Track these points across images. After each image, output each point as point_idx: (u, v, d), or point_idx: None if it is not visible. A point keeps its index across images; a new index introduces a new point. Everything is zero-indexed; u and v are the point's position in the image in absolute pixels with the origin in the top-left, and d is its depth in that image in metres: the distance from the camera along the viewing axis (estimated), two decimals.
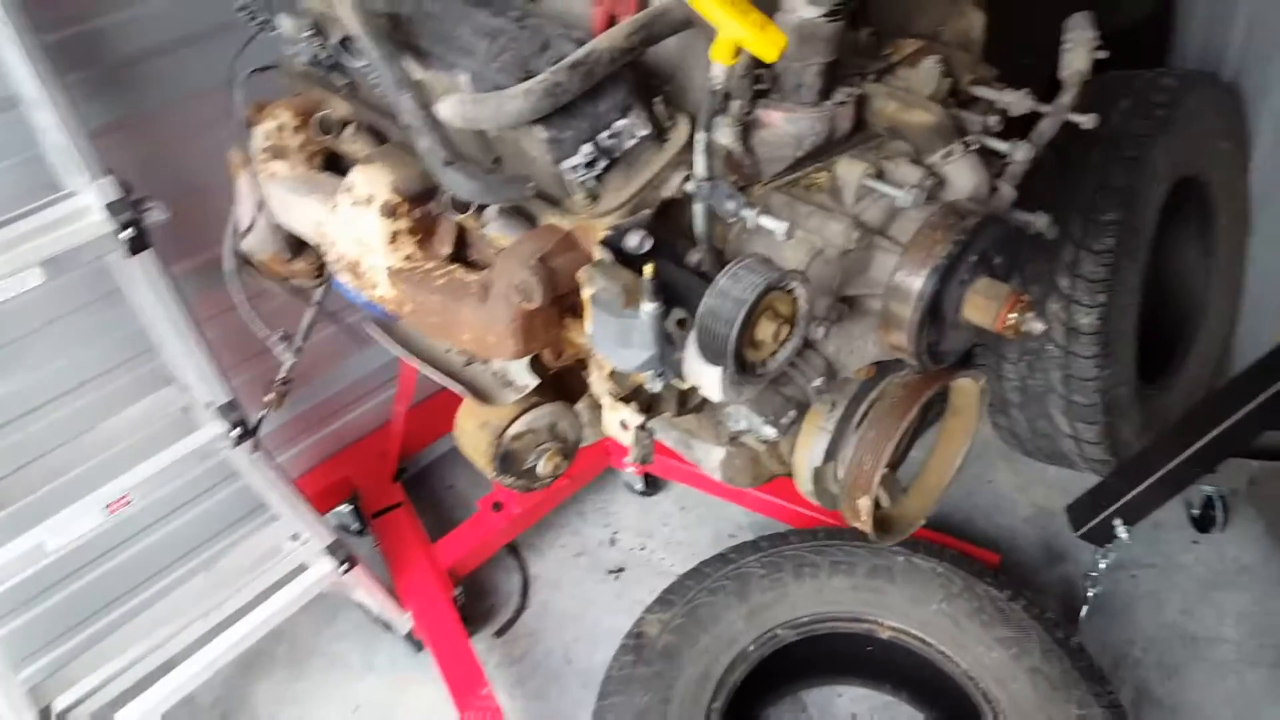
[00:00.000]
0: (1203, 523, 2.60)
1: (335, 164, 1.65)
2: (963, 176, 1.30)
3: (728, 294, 1.00)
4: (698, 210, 1.14)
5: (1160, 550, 2.59)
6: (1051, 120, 1.38)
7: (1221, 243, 2.62)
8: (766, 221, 1.10)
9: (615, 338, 1.10)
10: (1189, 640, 2.39)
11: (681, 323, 1.13)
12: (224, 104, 1.57)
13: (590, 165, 1.16)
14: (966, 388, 1.47)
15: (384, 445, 2.76)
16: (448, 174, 1.11)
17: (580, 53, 1.12)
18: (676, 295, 1.13)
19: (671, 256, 1.22)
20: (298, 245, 1.78)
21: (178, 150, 2.11)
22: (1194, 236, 2.64)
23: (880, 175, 1.26)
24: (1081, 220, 2.15)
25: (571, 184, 1.18)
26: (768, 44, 0.96)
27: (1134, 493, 2.28)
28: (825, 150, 1.30)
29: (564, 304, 1.26)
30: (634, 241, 1.16)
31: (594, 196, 1.20)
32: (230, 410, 2.02)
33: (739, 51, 1.00)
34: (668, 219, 1.25)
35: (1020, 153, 1.34)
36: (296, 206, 1.58)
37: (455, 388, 1.44)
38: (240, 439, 2.02)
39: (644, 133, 1.19)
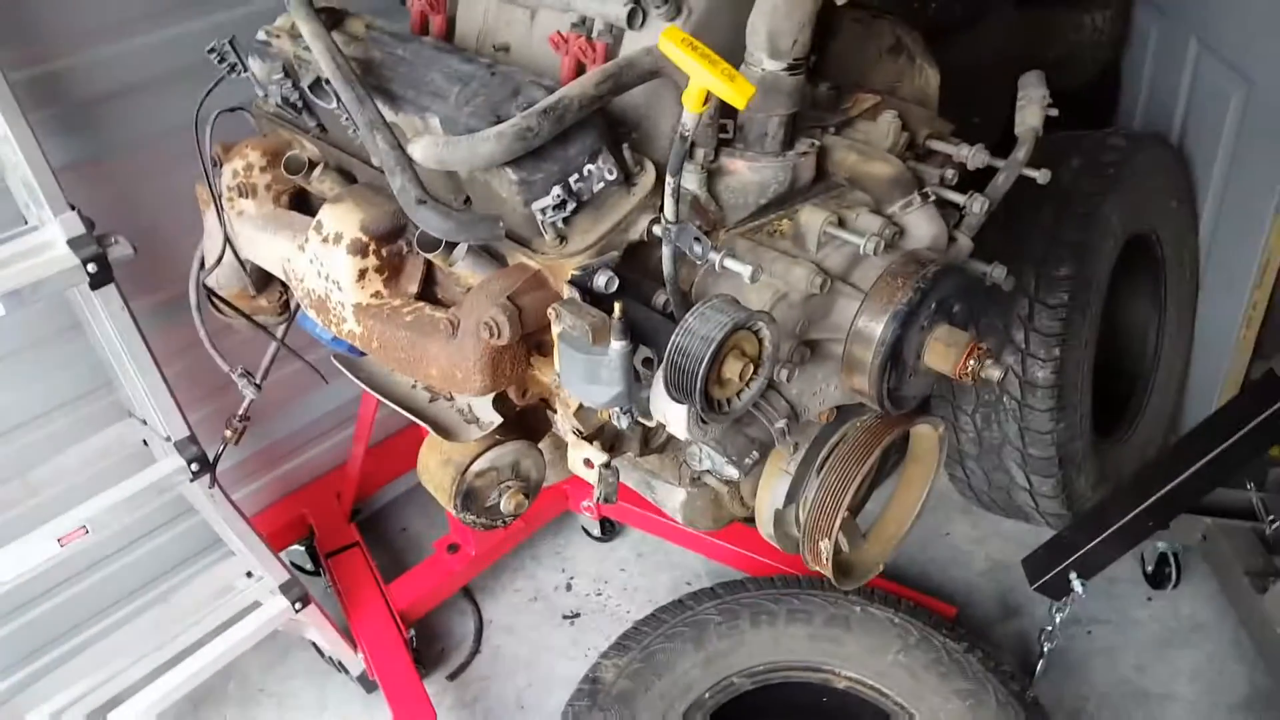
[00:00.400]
0: (1157, 579, 2.64)
1: (303, 203, 1.66)
2: (921, 226, 1.34)
3: (696, 332, 1.02)
4: (665, 253, 1.16)
5: (1115, 606, 2.61)
6: (1006, 174, 1.43)
7: (1172, 298, 2.71)
8: (732, 264, 1.13)
9: (583, 374, 1.11)
10: (1142, 697, 2.41)
11: (648, 362, 1.14)
12: (191, 144, 1.57)
13: (560, 207, 1.18)
14: (926, 434, 1.50)
15: (340, 485, 2.74)
16: (420, 212, 1.13)
17: (551, 99, 1.15)
18: (643, 335, 1.15)
19: (638, 298, 1.24)
20: (263, 281, 1.78)
21: (144, 188, 2.12)
22: (1146, 292, 2.72)
23: (842, 223, 1.29)
24: (1035, 275, 2.21)
25: (541, 225, 1.20)
26: (738, 93, 0.99)
27: (1089, 546, 2.32)
28: (788, 199, 1.33)
29: (531, 342, 1.28)
30: (601, 281, 1.18)
31: (563, 238, 1.22)
32: (188, 445, 2.01)
33: (709, 99, 1.03)
34: (635, 261, 1.28)
35: (977, 205, 1.39)
36: (264, 243, 1.58)
37: (420, 423, 1.44)
38: (197, 474, 2.00)
39: (612, 177, 1.22)
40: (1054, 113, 1.46)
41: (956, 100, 1.65)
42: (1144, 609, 2.61)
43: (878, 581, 2.42)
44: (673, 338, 1.04)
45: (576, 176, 1.20)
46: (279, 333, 1.88)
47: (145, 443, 2.16)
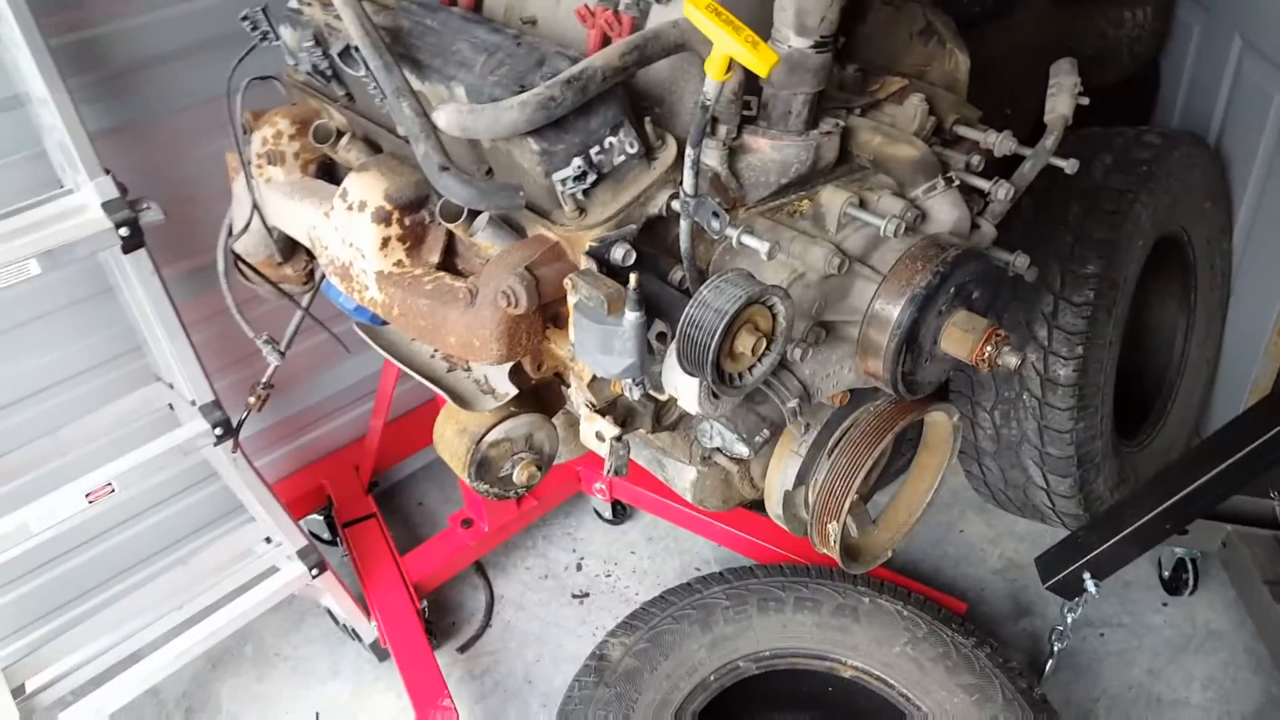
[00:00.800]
0: (1173, 584, 2.61)
1: (329, 172, 1.68)
2: (944, 211, 1.33)
3: (710, 304, 1.02)
4: (683, 227, 1.16)
5: (1129, 610, 2.59)
6: (1033, 162, 1.42)
7: (1201, 301, 2.67)
8: (750, 241, 1.13)
9: (598, 344, 1.12)
10: (1154, 702, 2.39)
11: (661, 336, 1.15)
12: (222, 112, 1.60)
13: (580, 178, 1.19)
14: (940, 422, 1.49)
15: (358, 458, 2.78)
16: (443, 179, 1.14)
17: (575, 69, 1.15)
18: (658, 309, 1.16)
19: (654, 271, 1.24)
20: (289, 250, 1.80)
21: (175, 155, 2.15)
22: (1175, 294, 2.68)
23: (863, 205, 1.29)
24: (1060, 271, 2.19)
25: (561, 196, 1.21)
26: (760, 60, 0.99)
27: (1104, 547, 2.30)
28: (810, 179, 1.33)
29: (548, 313, 1.28)
30: (619, 254, 1.19)
31: (582, 209, 1.22)
32: (213, 409, 2.04)
33: (732, 67, 1.03)
34: (653, 235, 1.28)
35: (1002, 191, 1.37)
36: (290, 211, 1.60)
37: (438, 391, 1.46)
38: (221, 438, 2.04)
39: (633, 150, 1.22)
40: (1085, 101, 1.45)
41: (988, 91, 1.63)
42: (1159, 614, 2.59)
43: (887, 574, 2.41)
44: (687, 309, 1.04)
45: (598, 149, 1.20)
46: (303, 301, 1.91)
47: (171, 407, 2.20)
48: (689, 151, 1.10)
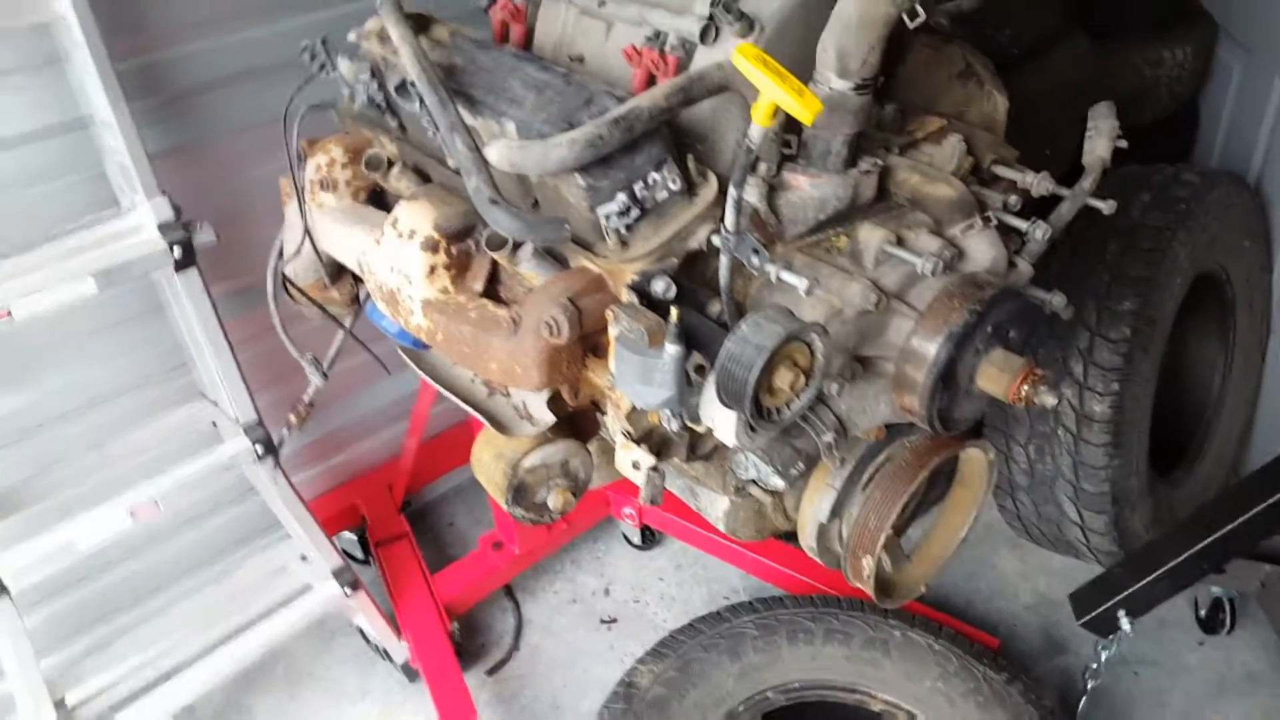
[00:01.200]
0: (1210, 624, 2.58)
1: (379, 200, 1.72)
2: (981, 249, 1.35)
3: (749, 339, 1.04)
4: (723, 262, 1.19)
5: (1165, 649, 2.56)
6: (1071, 203, 1.43)
7: (1240, 340, 2.65)
8: (789, 277, 1.15)
9: (637, 375, 1.14)
10: None
11: (700, 368, 1.17)
12: (276, 137, 1.64)
13: (624, 213, 1.22)
14: (975, 458, 1.50)
15: (392, 477, 2.81)
16: (492, 211, 1.17)
17: (622, 109, 1.19)
18: (697, 342, 1.18)
19: (694, 305, 1.27)
20: (336, 274, 1.85)
21: (230, 178, 2.22)
22: (1213, 332, 2.67)
23: (900, 242, 1.31)
24: (1097, 307, 2.19)
25: (605, 230, 1.24)
26: (806, 108, 1.02)
27: (1139, 585, 2.27)
28: (847, 215, 1.35)
29: (588, 343, 1.31)
30: (660, 287, 1.21)
31: (625, 243, 1.25)
32: (255, 427, 2.09)
33: (777, 113, 1.06)
34: (692, 270, 1.31)
35: (1039, 231, 1.39)
36: (341, 236, 1.65)
37: (477, 416, 1.49)
38: (262, 455, 2.08)
39: (676, 187, 1.25)
40: (1123, 144, 1.46)
41: (1026, 130, 1.65)
42: (1195, 654, 2.55)
43: (919, 607, 2.40)
44: (726, 344, 1.06)
45: (641, 184, 1.23)
46: (347, 323, 1.95)
47: (214, 424, 2.25)
48: (731, 191, 1.13)
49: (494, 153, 1.22)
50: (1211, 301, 2.57)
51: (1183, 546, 2.22)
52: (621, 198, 1.21)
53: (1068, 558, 2.63)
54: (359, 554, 2.81)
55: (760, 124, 1.06)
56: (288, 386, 2.38)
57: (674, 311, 1.09)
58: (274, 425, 2.14)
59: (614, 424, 1.39)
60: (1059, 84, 2.24)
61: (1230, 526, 2.18)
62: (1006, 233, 1.40)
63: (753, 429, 1.14)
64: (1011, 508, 2.53)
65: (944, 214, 1.36)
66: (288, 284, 1.87)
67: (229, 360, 2.03)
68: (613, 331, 1.18)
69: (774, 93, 1.02)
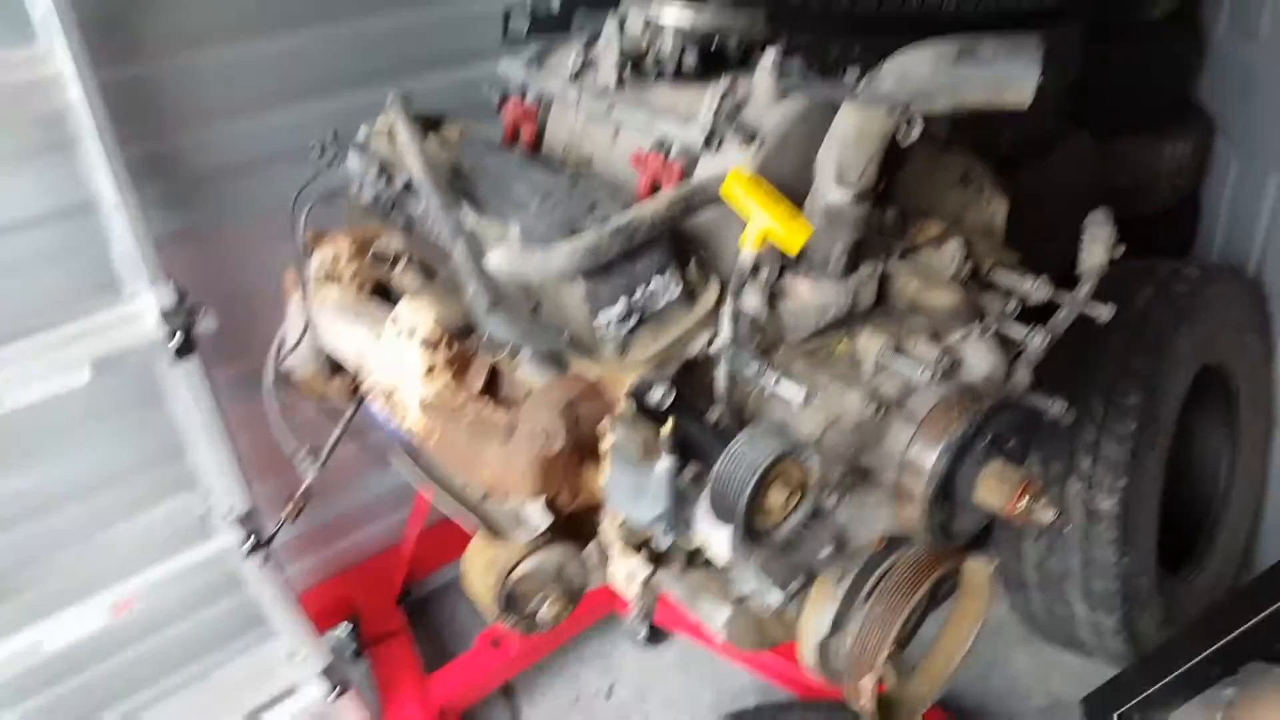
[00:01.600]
0: None
1: (384, 293, 1.73)
2: (979, 358, 1.34)
3: (742, 459, 1.03)
4: (721, 372, 1.18)
5: None
6: (1069, 311, 1.43)
7: (1245, 434, 2.62)
8: (785, 389, 1.14)
9: (630, 490, 1.13)
10: None
11: (697, 478, 1.15)
12: (282, 224, 1.65)
13: (623, 320, 1.22)
14: (978, 569, 1.46)
15: (390, 567, 2.74)
16: (490, 319, 1.17)
17: (624, 218, 1.19)
18: (694, 451, 1.16)
19: (692, 412, 1.25)
20: (336, 366, 1.84)
21: (238, 263, 2.21)
22: (1218, 425, 2.64)
23: (899, 350, 1.30)
24: (1104, 403, 2.17)
25: (603, 335, 1.23)
26: (792, 237, 1.02)
27: (1152, 690, 2.21)
28: (847, 321, 1.35)
29: (584, 450, 1.29)
30: (657, 395, 1.20)
31: (623, 349, 1.25)
32: (248, 520, 2.05)
33: (768, 238, 1.07)
34: (691, 376, 1.30)
35: (1037, 339, 1.38)
36: (342, 331, 1.65)
37: (470, 520, 1.46)
38: (253, 550, 2.04)
39: (676, 293, 1.25)
40: (1119, 252, 1.46)
41: (1030, 228, 1.66)
42: None
43: (931, 712, 2.32)
44: (719, 462, 1.05)
45: (641, 291, 1.23)
46: (346, 415, 1.94)
47: (202, 518, 2.20)
48: (728, 305, 1.13)
49: (495, 259, 1.23)
50: (1215, 395, 2.55)
51: (1194, 650, 2.16)
52: (621, 304, 1.21)
53: (1082, 655, 2.55)
54: (354, 648, 2.73)
55: (751, 249, 1.07)
56: (285, 476, 2.35)
57: (668, 424, 1.08)
58: (268, 515, 2.10)
59: (610, 531, 1.36)
60: (1062, 182, 2.26)
61: (1240, 630, 2.13)
62: (1005, 340, 1.39)
63: (747, 547, 1.12)
64: (1023, 605, 2.48)
65: (943, 321, 1.36)
66: (286, 376, 1.86)
67: (226, 451, 2.01)
68: (607, 443, 1.17)
69: (762, 220, 1.02)
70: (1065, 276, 1.48)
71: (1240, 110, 2.74)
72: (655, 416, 1.20)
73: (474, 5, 2.32)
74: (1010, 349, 1.40)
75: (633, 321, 1.23)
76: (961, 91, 1.18)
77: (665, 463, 1.07)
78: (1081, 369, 2.22)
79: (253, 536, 2.05)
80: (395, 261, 1.66)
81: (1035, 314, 1.46)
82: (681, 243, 1.32)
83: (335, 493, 2.63)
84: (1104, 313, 1.44)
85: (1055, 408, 1.41)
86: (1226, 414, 2.61)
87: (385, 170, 1.58)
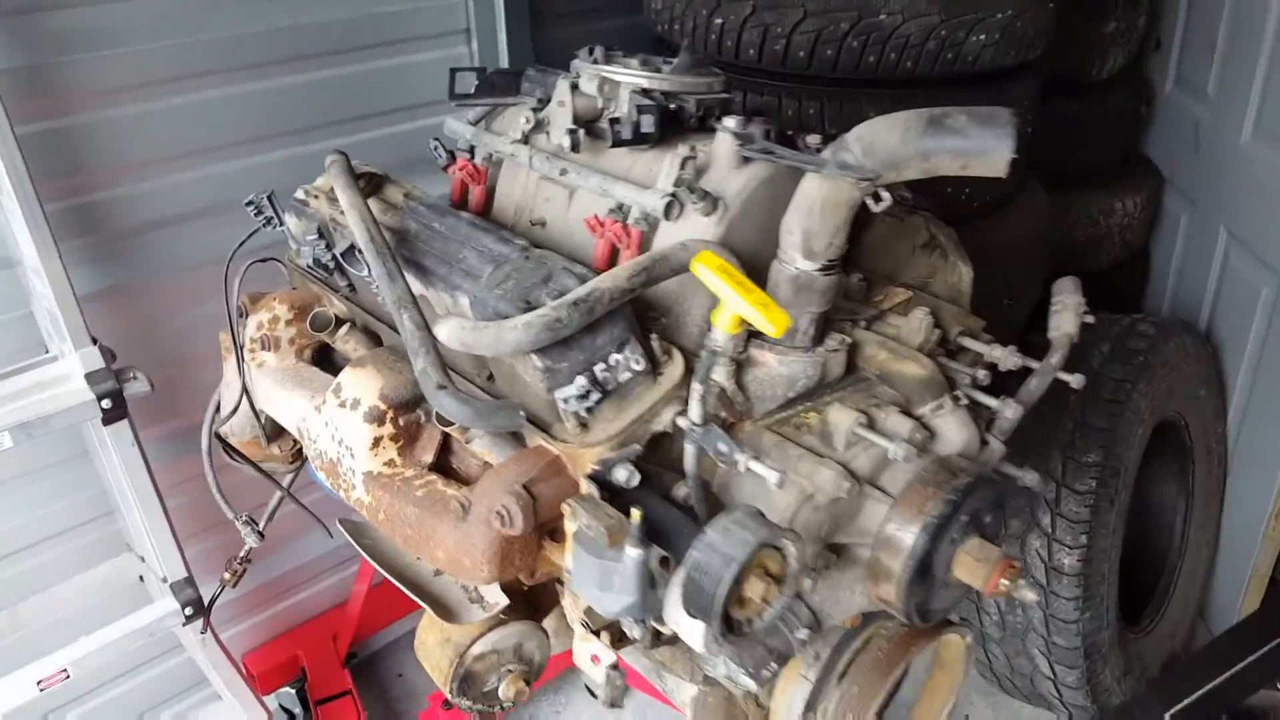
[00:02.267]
0: None
1: (326, 359, 1.65)
2: (953, 430, 1.30)
3: (716, 549, 0.97)
4: (688, 450, 1.13)
5: None
6: (1040, 379, 1.40)
7: (1199, 486, 2.64)
8: (759, 468, 1.09)
9: (596, 579, 1.06)
10: None
11: (665, 561, 1.09)
12: (215, 279, 1.58)
13: (583, 397, 1.16)
14: (953, 643, 1.42)
15: (337, 626, 2.64)
16: (440, 397, 1.10)
17: (582, 291, 1.14)
18: (661, 532, 1.10)
19: (658, 489, 1.20)
20: (276, 431, 1.75)
21: (170, 318, 2.13)
22: (1173, 478, 2.65)
23: (871, 424, 1.25)
24: (1063, 459, 2.16)
25: (563, 412, 1.17)
26: (773, 323, 0.98)
27: None
28: (816, 391, 1.30)
29: (545, 528, 1.23)
30: (622, 475, 1.14)
31: (584, 426, 1.19)
32: (184, 587, 1.95)
33: (743, 322, 1.02)
34: (657, 450, 1.24)
35: (1010, 410, 1.35)
36: (281, 398, 1.56)
37: (420, 601, 1.38)
38: (191, 617, 1.94)
39: (639, 367, 1.20)
40: (1090, 320, 1.45)
41: (987, 284, 1.64)
42: None
43: None
44: (691, 552, 0.99)
45: (603, 366, 1.17)
46: (286, 480, 1.85)
47: (141, 578, 2.10)
48: (695, 385, 1.07)
49: (444, 331, 1.16)
50: (1171, 449, 2.56)
51: (1156, 711, 2.15)
52: (581, 381, 1.15)
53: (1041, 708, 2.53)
54: (299, 709, 2.61)
55: (727, 331, 1.02)
56: (223, 535, 2.25)
57: (635, 512, 1.02)
58: (206, 576, 2.00)
59: (571, 611, 1.29)
60: (1018, 236, 2.26)
61: (1204, 690, 2.12)
62: (976, 408, 1.36)
63: (722, 641, 1.05)
64: (984, 659, 2.45)
65: (913, 392, 1.32)
66: (223, 441, 1.77)
67: (159, 516, 1.91)
68: (569, 528, 1.10)
69: (738, 306, 0.98)
70: (1022, 330, 1.45)
71: (1189, 166, 2.79)
72: (620, 495, 1.14)
73: (410, 56, 2.27)
74: (982, 415, 1.36)
75: (594, 399, 1.16)
76: (931, 161, 1.15)
77: (634, 554, 1.01)
78: (1040, 426, 2.20)
79: (190, 605, 1.94)
80: (337, 326, 1.58)
81: (1000, 377, 1.44)
82: (642, 310, 1.27)
83: (280, 550, 2.53)
84: (1075, 381, 1.42)
85: (1029, 477, 1.38)
86: (1182, 467, 2.62)
87: (325, 234, 1.51)
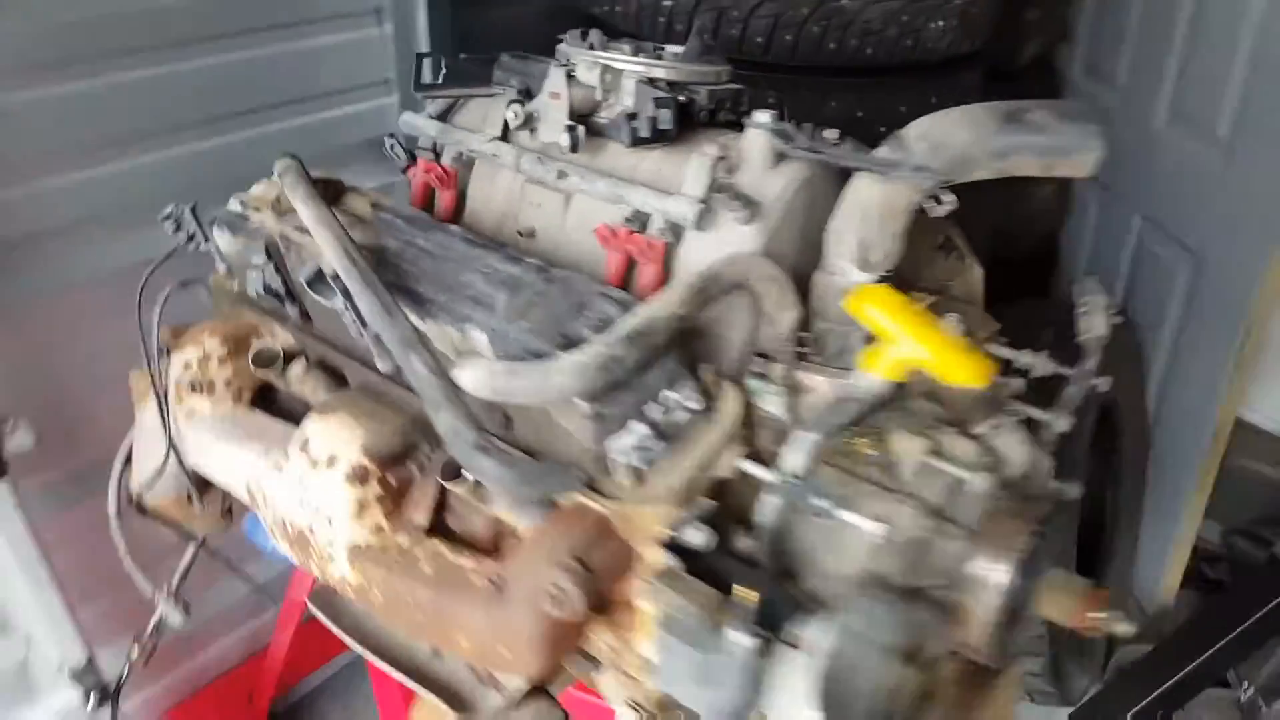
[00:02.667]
0: None
1: (268, 400, 1.39)
2: (1015, 449, 1.20)
3: (870, 639, 0.82)
4: (771, 504, 0.97)
5: None
6: (1078, 385, 1.32)
7: (1128, 464, 2.70)
8: (858, 520, 0.95)
9: (694, 674, 0.89)
10: None
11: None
12: (121, 291, 1.32)
13: (644, 447, 0.98)
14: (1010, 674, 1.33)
15: (254, 681, 2.36)
16: (478, 460, 0.90)
17: (639, 322, 0.96)
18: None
19: (720, 545, 1.04)
20: (204, 487, 1.48)
21: (54, 346, 1.79)
22: (1104, 458, 2.70)
23: (939, 452, 1.14)
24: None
25: (614, 465, 0.99)
26: (979, 373, 0.84)
27: None
28: (867, 415, 1.17)
29: (593, 602, 1.05)
30: (699, 539, 0.97)
31: (639, 479, 1.01)
32: (87, 673, 1.65)
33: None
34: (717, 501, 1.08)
35: (1061, 423, 1.26)
36: (220, 454, 1.31)
37: (426, 693, 1.17)
38: (98, 705, 1.64)
39: (696, 407, 1.03)
40: (1119, 320, 1.38)
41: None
42: None
43: None
44: (829, 640, 0.83)
45: (658, 409, 1.00)
46: (216, 544, 1.58)
47: (23, 661, 1.77)
48: (801, 434, 0.92)
49: (470, 378, 0.96)
50: (1102, 429, 2.60)
51: (1128, 703, 2.18)
52: (641, 429, 0.97)
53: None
54: None
55: (890, 377, 0.87)
56: (126, 591, 1.92)
57: (746, 593, 0.85)
58: (105, 645, 1.69)
59: (612, 689, 1.12)
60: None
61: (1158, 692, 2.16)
62: (1031, 425, 1.27)
63: None
64: None
65: (968, 410, 1.21)
66: (135, 502, 1.48)
67: (51, 595, 1.61)
68: (651, 611, 0.92)
69: (915, 351, 0.82)
70: None
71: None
72: (692, 559, 0.97)
73: (312, 40, 2.01)
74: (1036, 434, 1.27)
75: (657, 448, 0.99)
76: (1009, 160, 1.04)
77: (747, 643, 0.84)
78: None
79: (94, 692, 1.64)
80: (286, 362, 1.33)
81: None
82: (682, 340, 1.11)
83: (191, 603, 2.21)
84: (1104, 383, 1.35)
85: (1072, 490, 1.30)
86: (1111, 446, 2.67)
87: (274, 254, 1.26)
